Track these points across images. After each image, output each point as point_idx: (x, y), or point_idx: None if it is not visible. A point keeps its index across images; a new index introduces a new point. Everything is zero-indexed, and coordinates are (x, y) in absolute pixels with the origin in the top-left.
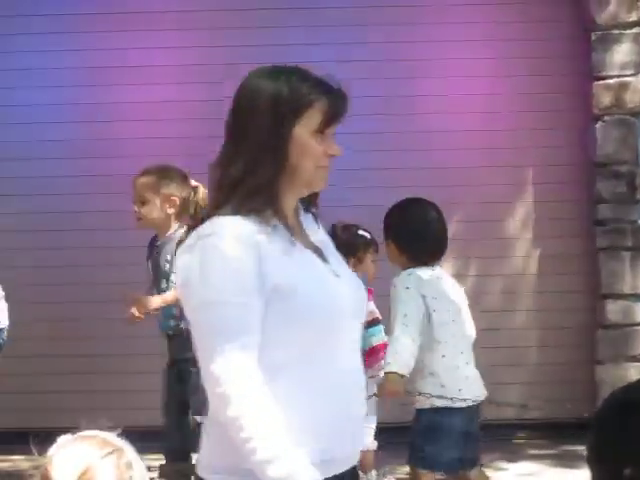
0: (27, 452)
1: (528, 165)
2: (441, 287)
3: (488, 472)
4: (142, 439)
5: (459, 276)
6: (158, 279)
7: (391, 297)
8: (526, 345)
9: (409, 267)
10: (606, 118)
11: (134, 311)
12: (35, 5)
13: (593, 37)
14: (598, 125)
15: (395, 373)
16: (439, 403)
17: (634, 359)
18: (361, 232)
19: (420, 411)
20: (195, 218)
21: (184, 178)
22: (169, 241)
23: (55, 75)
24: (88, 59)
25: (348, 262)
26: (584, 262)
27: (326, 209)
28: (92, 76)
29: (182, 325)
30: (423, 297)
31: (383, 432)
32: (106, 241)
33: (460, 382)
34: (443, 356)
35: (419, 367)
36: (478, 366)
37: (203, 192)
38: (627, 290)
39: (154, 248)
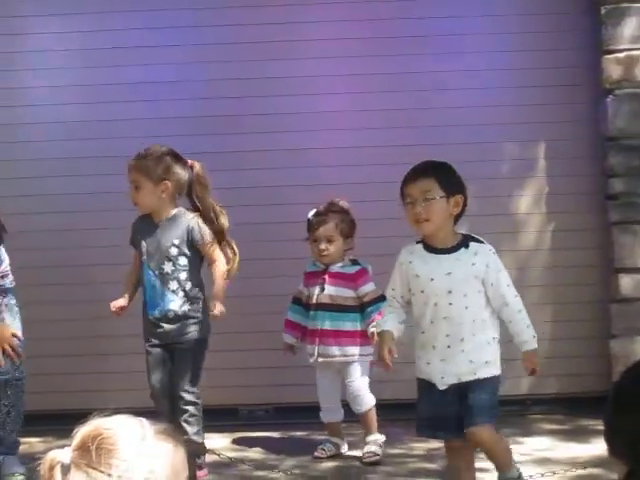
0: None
1: (539, 140)
2: None
3: None
4: None
5: None
6: (160, 260)
7: (497, 267)
8: (539, 320)
9: (460, 233)
10: (617, 92)
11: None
12: None
13: (602, 11)
14: (609, 99)
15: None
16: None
17: None
18: (309, 213)
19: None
20: (193, 199)
21: (177, 159)
22: (171, 224)
23: (54, 58)
24: (89, 40)
25: None
26: (597, 236)
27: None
28: (92, 57)
29: (186, 307)
30: None
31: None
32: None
33: None
34: None
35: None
36: None
37: (199, 170)
38: None
39: (149, 228)
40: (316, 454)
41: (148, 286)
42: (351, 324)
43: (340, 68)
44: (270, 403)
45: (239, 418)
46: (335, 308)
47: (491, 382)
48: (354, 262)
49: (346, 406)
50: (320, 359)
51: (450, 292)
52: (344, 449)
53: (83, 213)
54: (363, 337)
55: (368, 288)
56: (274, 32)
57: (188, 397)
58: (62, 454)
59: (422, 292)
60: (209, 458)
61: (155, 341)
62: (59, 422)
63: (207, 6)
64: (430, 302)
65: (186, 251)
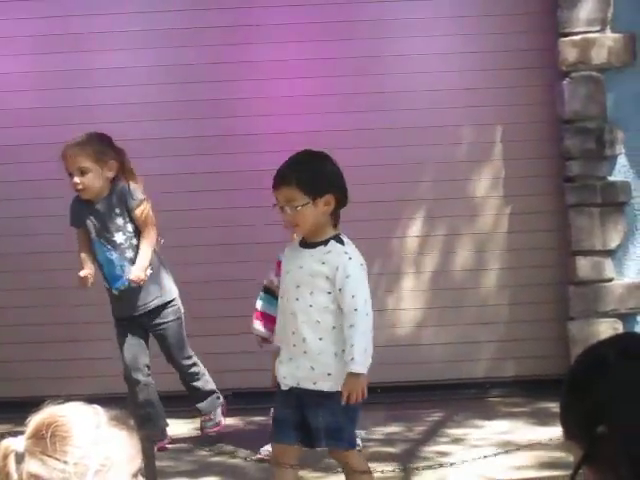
0: None
1: (496, 123)
2: None
3: (463, 430)
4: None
5: (428, 237)
6: (110, 233)
7: (346, 272)
8: (497, 303)
9: (335, 232)
10: (573, 75)
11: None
12: None
13: None
14: (565, 82)
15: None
16: None
17: (605, 315)
18: None
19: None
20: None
21: (111, 141)
22: (111, 197)
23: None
24: (46, 26)
25: None
26: (554, 219)
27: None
28: (52, 43)
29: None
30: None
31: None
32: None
33: None
34: None
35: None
36: (451, 325)
37: (123, 149)
38: (597, 246)
39: (90, 208)
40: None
41: (105, 262)
42: None
43: (293, 53)
44: (229, 388)
45: None
46: None
47: (334, 399)
48: None
49: None
50: None
51: (298, 287)
52: None
53: (31, 200)
54: None
55: None
56: (226, 17)
57: (187, 362)
58: (16, 442)
59: (282, 285)
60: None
61: (124, 315)
62: (17, 410)
63: None
64: (284, 296)
65: (129, 217)
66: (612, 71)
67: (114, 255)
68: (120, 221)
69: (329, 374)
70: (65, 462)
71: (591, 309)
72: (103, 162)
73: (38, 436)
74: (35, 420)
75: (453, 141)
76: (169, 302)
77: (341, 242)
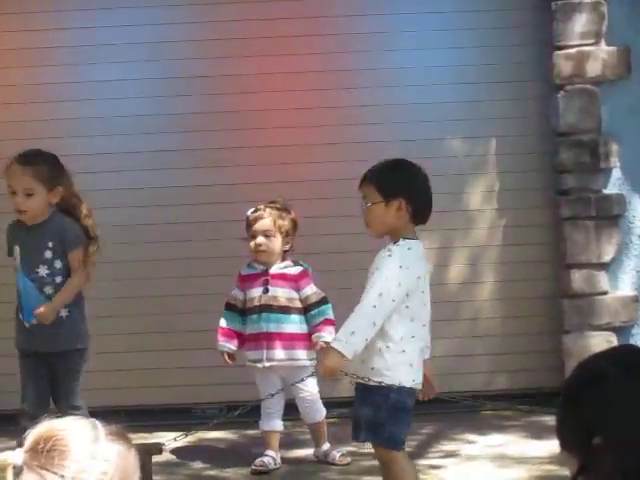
0: None
1: (490, 136)
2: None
3: (456, 444)
4: None
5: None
6: (35, 264)
7: (379, 263)
8: (492, 316)
9: (406, 235)
10: (568, 87)
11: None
12: None
13: (553, 7)
14: (560, 95)
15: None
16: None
17: (600, 328)
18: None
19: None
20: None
21: (60, 164)
22: (45, 227)
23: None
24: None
25: None
26: (548, 232)
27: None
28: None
29: (63, 314)
30: (417, 278)
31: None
32: None
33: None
34: (413, 337)
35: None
36: (444, 338)
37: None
38: (592, 259)
39: (22, 232)
40: (254, 467)
41: (23, 292)
42: (297, 327)
43: (287, 66)
44: (223, 402)
45: (192, 417)
46: (281, 310)
47: (378, 393)
48: (296, 263)
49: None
50: (267, 363)
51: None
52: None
53: None
54: (310, 341)
55: (310, 290)
56: (220, 30)
57: (74, 412)
58: (14, 456)
59: None
60: (161, 458)
61: (30, 349)
62: (10, 423)
63: (131, 5)
64: None
65: (61, 254)
66: (607, 84)
67: (33, 288)
68: (49, 254)
69: (372, 368)
70: (63, 476)
71: (585, 322)
72: (51, 186)
73: (36, 449)
74: (34, 433)
75: (447, 154)
76: (78, 349)
77: (397, 242)
